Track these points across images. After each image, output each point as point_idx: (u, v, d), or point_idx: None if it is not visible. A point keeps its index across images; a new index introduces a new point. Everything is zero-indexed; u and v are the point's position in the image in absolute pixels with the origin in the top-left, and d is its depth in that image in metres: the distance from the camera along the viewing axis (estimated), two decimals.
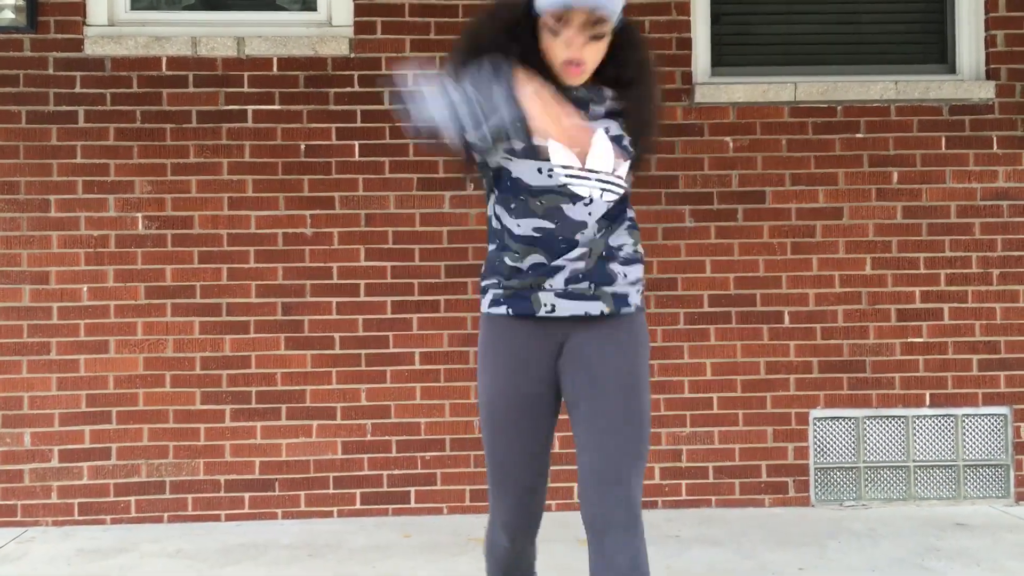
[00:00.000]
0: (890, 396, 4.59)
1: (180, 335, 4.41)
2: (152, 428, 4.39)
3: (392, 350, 4.46)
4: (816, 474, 4.58)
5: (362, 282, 4.47)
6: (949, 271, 4.60)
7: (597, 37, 2.12)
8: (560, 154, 2.12)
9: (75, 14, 4.42)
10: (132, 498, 4.38)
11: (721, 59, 4.70)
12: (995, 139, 4.63)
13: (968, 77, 4.70)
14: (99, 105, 4.42)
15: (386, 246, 4.48)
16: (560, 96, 2.01)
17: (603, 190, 2.17)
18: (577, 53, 2.10)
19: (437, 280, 4.47)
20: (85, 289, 4.39)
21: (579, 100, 2.17)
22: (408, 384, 4.47)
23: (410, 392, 4.47)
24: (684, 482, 4.52)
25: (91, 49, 4.42)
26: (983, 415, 4.62)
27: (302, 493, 4.43)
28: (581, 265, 2.18)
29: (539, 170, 2.16)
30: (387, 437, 4.46)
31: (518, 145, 2.14)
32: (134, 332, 4.40)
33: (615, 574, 2.08)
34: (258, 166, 4.46)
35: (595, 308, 2.19)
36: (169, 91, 4.44)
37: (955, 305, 4.60)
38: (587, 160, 2.13)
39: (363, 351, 4.46)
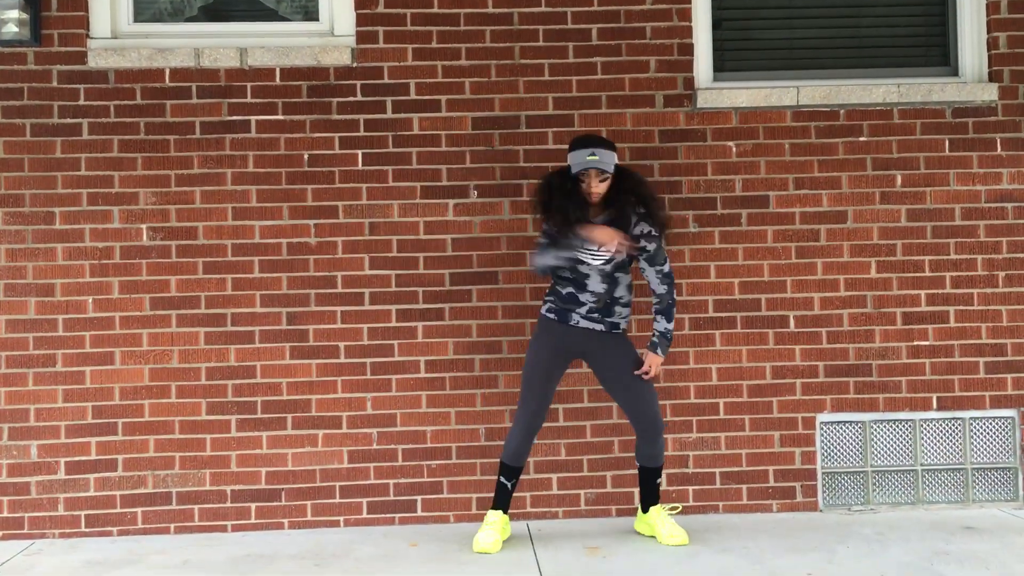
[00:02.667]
0: (897, 400, 4.58)
1: (185, 346, 4.42)
2: (158, 439, 4.40)
3: (397, 358, 4.47)
4: (824, 479, 4.56)
5: (367, 291, 4.47)
6: (954, 274, 4.59)
7: (603, 180, 3.95)
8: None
9: (78, 27, 4.44)
10: (139, 509, 4.39)
11: (723, 64, 4.71)
12: (999, 141, 4.62)
13: (971, 79, 4.70)
14: (103, 117, 4.44)
15: (390, 254, 4.48)
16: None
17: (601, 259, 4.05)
18: (593, 188, 3.97)
19: (441, 288, 4.47)
20: (90, 301, 4.40)
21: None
22: (414, 392, 4.47)
23: (416, 400, 4.47)
24: (691, 488, 4.51)
25: (94, 62, 4.43)
26: (990, 418, 4.61)
27: (308, 503, 4.43)
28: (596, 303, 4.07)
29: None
30: (393, 446, 4.46)
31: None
32: (139, 343, 4.40)
33: (650, 444, 4.09)
34: (262, 176, 4.47)
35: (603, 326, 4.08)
36: (172, 102, 4.45)
37: (961, 308, 4.59)
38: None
39: (368, 360, 4.46)
